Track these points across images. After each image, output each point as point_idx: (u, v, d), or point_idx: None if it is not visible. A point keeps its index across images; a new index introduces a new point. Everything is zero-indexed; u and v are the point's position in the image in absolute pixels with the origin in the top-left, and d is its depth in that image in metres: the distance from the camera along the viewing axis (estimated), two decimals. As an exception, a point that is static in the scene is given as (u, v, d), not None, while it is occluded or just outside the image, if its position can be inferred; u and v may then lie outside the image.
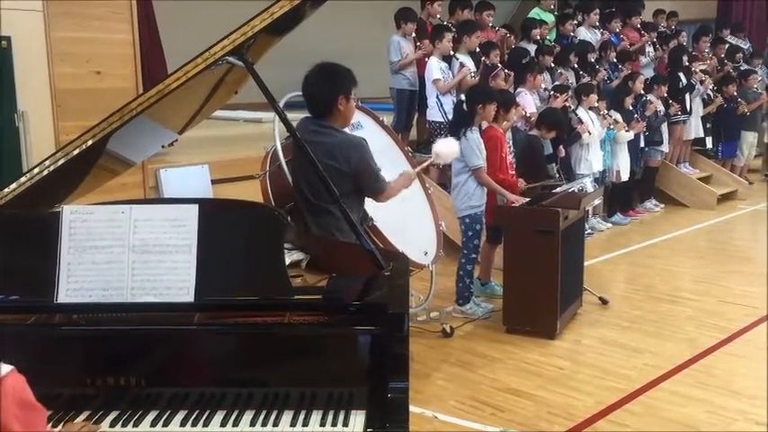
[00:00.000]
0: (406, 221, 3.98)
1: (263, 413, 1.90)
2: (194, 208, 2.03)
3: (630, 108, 7.82)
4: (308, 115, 3.29)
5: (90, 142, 2.29)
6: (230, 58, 2.27)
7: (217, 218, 2.07)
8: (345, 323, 1.99)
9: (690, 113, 8.99)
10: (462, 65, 6.56)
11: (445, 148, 3.78)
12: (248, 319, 2.01)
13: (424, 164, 3.88)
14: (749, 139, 9.89)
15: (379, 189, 3.28)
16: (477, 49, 6.87)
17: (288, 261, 2.32)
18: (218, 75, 2.50)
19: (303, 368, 1.96)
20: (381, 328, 1.93)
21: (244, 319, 2.01)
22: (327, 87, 3.17)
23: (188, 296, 1.99)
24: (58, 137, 4.75)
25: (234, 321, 2.00)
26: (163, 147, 3.40)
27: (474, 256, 4.93)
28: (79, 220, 2.04)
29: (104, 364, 1.93)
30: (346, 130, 3.45)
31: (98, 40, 4.98)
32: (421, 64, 6.99)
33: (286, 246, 2.34)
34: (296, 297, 2.09)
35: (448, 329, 4.59)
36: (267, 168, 3.55)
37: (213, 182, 5.67)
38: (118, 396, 1.92)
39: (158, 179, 5.44)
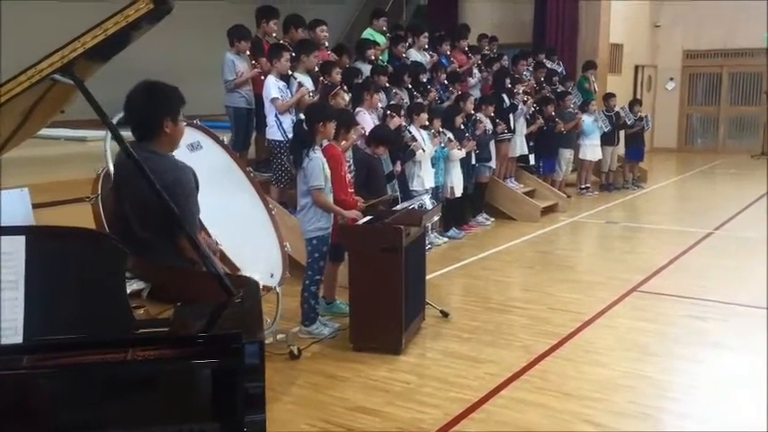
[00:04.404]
0: (251, 244, 3.90)
1: (107, 460, 1.76)
2: (21, 239, 1.85)
3: (462, 127, 8.19)
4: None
5: None
6: (58, 76, 2.10)
7: (47, 248, 1.89)
8: (194, 356, 1.88)
9: (514, 132, 9.57)
10: (300, 84, 6.55)
11: None
12: (86, 359, 1.84)
13: None
14: (566, 155, 10.72)
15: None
16: (316, 69, 6.90)
17: (127, 291, 2.18)
18: (38, 92, 2.30)
19: (150, 407, 1.83)
20: (234, 358, 1.84)
21: (80, 359, 1.84)
22: (151, 109, 2.90)
23: (15, 337, 1.80)
24: None
25: (69, 362, 1.83)
26: (-25, 170, 3.08)
27: (318, 277, 4.91)
28: None
29: None
30: (185, 149, 3.31)
31: None
32: (257, 82, 6.90)
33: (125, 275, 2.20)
34: (139, 331, 1.96)
35: (295, 351, 4.53)
36: (99, 191, 3.33)
37: (35, 206, 5.21)
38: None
39: (-31, 205, 4.91)
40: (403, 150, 7.06)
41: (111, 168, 3.22)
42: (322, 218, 4.78)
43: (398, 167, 6.90)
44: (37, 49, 2.21)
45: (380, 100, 7.36)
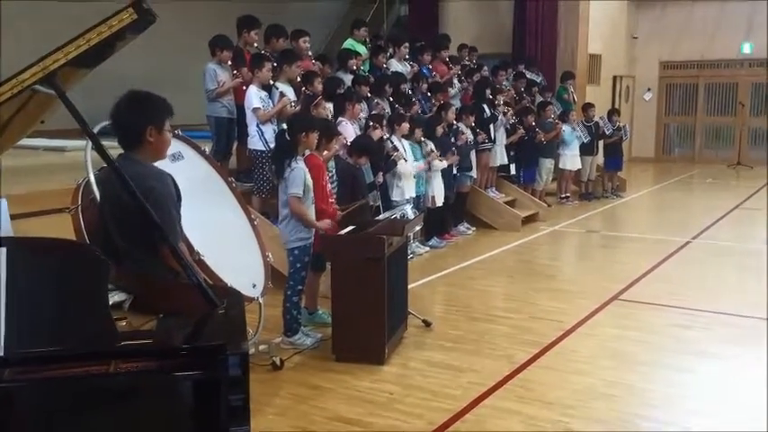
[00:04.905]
0: (233, 254, 3.87)
1: (89, 474, 1.74)
2: (2, 251, 1.82)
3: (443, 137, 8.22)
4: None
5: None
6: (40, 87, 2.08)
7: (29, 260, 1.87)
8: (177, 368, 1.87)
9: (494, 142, 9.62)
10: (282, 94, 6.54)
11: None
12: (68, 371, 1.82)
13: None
14: (547, 165, 10.80)
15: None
16: (298, 79, 6.90)
17: (109, 303, 2.16)
18: (18, 102, 2.28)
19: (133, 420, 1.82)
20: (218, 370, 1.83)
21: (62, 372, 1.82)
22: (135, 117, 2.90)
23: (-4, 350, 1.78)
24: None
25: (51, 375, 1.81)
26: (-48, 181, 3.04)
27: (300, 287, 4.89)
28: None
29: None
30: (167, 160, 3.29)
31: None
32: (239, 92, 6.89)
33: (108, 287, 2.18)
34: (121, 343, 1.94)
35: (278, 362, 4.50)
36: (79, 202, 3.30)
37: (13, 217, 5.15)
38: None
39: (-55, 215, 4.84)
40: (384, 160, 7.07)
41: (92, 178, 3.19)
42: (303, 228, 4.77)
43: (380, 178, 6.90)
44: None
45: (362, 110, 7.37)
